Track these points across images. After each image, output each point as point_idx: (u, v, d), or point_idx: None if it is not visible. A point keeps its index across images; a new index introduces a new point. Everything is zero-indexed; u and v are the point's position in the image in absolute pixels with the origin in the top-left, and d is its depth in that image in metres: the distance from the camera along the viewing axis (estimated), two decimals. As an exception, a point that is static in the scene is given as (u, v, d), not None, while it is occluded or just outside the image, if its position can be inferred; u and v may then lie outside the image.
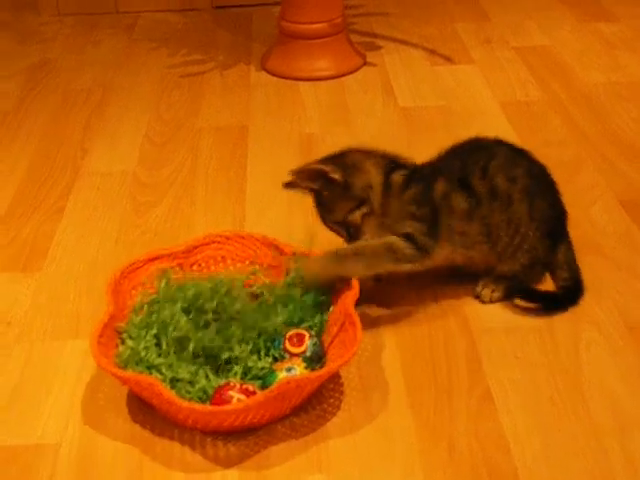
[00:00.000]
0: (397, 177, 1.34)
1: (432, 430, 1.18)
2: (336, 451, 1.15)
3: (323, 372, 1.16)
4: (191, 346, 1.22)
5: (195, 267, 1.39)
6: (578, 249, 1.51)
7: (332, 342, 1.26)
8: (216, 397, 1.15)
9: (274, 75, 2.24)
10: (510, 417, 1.20)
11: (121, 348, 1.23)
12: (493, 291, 1.40)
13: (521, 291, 1.40)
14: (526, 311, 1.39)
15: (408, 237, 1.31)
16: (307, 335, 1.24)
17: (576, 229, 1.53)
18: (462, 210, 1.34)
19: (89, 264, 1.54)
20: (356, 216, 1.33)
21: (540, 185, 1.41)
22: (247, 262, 1.40)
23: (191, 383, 1.18)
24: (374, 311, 1.40)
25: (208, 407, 1.13)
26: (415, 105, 2.07)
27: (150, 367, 1.20)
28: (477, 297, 1.41)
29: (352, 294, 1.27)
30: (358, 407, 1.22)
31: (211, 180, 1.80)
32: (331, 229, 1.37)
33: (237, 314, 1.27)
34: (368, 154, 1.37)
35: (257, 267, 1.38)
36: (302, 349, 1.23)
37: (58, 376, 1.28)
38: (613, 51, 2.31)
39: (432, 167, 1.39)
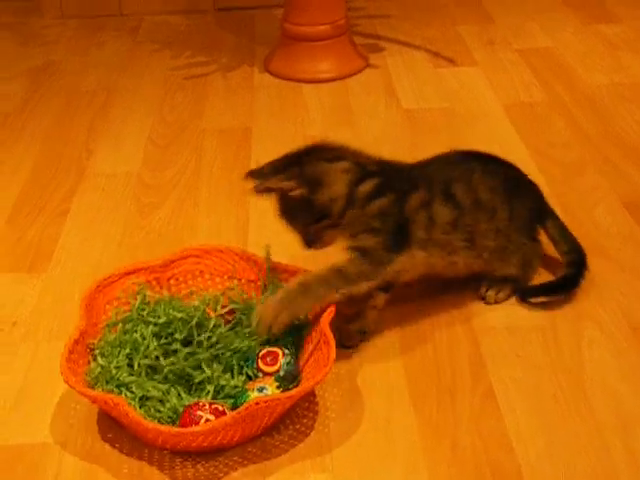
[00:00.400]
0: (364, 187, 1.28)
1: (435, 429, 1.19)
2: (338, 451, 1.16)
3: (294, 392, 1.13)
4: (162, 370, 1.21)
5: (172, 281, 1.37)
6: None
7: (307, 361, 1.25)
8: (185, 417, 1.13)
9: (277, 77, 2.25)
10: (513, 416, 1.20)
11: (92, 365, 1.22)
12: (498, 292, 1.41)
13: (527, 293, 1.41)
14: (529, 310, 1.40)
15: (362, 252, 1.27)
16: (281, 353, 1.23)
17: (579, 230, 1.53)
18: (445, 222, 1.32)
19: (93, 266, 1.54)
20: (316, 228, 1.29)
21: (515, 186, 1.42)
22: (225, 277, 1.38)
23: (161, 402, 1.17)
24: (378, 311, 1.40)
25: (174, 428, 1.11)
26: (418, 107, 2.07)
27: (120, 385, 1.19)
28: (482, 298, 1.42)
29: (328, 312, 1.24)
30: (358, 406, 1.22)
31: (214, 182, 1.81)
32: (292, 229, 1.33)
33: (207, 341, 1.26)
34: (338, 158, 1.30)
35: (235, 282, 1.37)
36: (275, 368, 1.21)
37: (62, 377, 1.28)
38: (616, 52, 2.31)
39: (409, 176, 1.34)
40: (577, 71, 2.22)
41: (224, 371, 1.23)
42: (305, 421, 1.21)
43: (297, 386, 1.19)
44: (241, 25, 2.59)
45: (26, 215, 1.70)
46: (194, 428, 1.09)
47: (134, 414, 1.09)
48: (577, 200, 1.68)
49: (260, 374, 1.22)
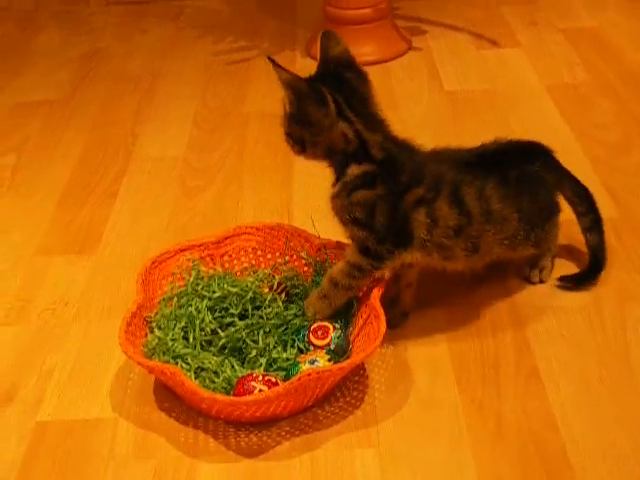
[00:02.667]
0: (352, 171, 1.24)
1: (479, 407, 1.20)
2: (384, 427, 1.18)
3: (345, 364, 1.16)
4: (217, 343, 1.25)
5: (226, 258, 1.41)
6: (627, 230, 1.51)
7: (358, 335, 1.27)
8: (238, 388, 1.16)
9: (319, 61, 2.25)
10: (558, 395, 1.21)
11: (149, 337, 1.26)
12: (542, 270, 1.41)
13: (566, 281, 1.40)
14: (572, 291, 1.40)
15: (359, 245, 1.25)
16: (332, 328, 1.26)
17: (624, 210, 1.53)
18: (448, 225, 1.25)
19: (142, 247, 1.58)
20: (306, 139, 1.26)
21: (530, 183, 1.34)
22: (277, 253, 1.41)
23: (216, 373, 1.21)
24: (422, 291, 1.41)
25: (229, 397, 1.14)
26: (461, 89, 2.07)
27: (176, 357, 1.22)
28: (526, 278, 1.42)
29: (378, 288, 1.26)
30: (403, 383, 1.24)
31: (258, 165, 1.83)
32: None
33: (262, 315, 1.30)
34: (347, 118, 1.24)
35: (287, 258, 1.39)
36: (326, 341, 1.24)
37: (115, 353, 1.31)
38: (663, 31, 2.28)
39: (416, 169, 1.26)
40: (622, 50, 2.19)
41: (277, 344, 1.26)
42: (355, 394, 1.23)
43: (347, 359, 1.22)
44: (282, 9, 2.61)
45: (76, 198, 1.74)
46: (248, 397, 1.12)
47: (190, 383, 1.12)
48: (622, 180, 1.66)
49: (311, 347, 1.24)
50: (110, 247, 1.59)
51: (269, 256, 1.42)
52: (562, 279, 1.41)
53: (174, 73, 2.26)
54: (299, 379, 1.11)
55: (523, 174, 1.34)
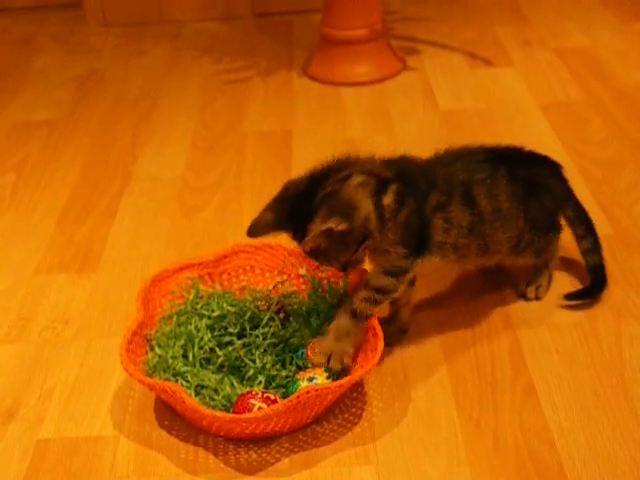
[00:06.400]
0: (388, 199, 1.23)
1: (477, 423, 1.21)
2: (382, 444, 1.19)
3: (344, 382, 1.17)
4: (217, 361, 1.27)
5: (224, 276, 1.42)
6: (621, 248, 1.53)
7: (356, 353, 1.27)
8: (238, 405, 1.17)
9: (316, 81, 2.29)
10: (554, 410, 1.22)
11: (150, 355, 1.28)
12: (538, 287, 1.43)
13: (568, 296, 1.42)
14: (567, 307, 1.42)
15: (389, 269, 1.26)
16: None
17: (618, 228, 1.55)
18: (462, 225, 1.28)
19: (141, 265, 1.59)
20: (360, 253, 1.25)
21: (536, 186, 1.37)
22: (275, 272, 1.42)
23: (216, 391, 1.22)
24: (417, 308, 1.43)
25: (229, 415, 1.15)
26: (455, 108, 2.09)
27: (176, 374, 1.24)
28: (522, 295, 1.44)
29: None
30: (401, 400, 1.25)
31: (257, 183, 1.85)
32: (329, 264, 1.27)
33: (260, 333, 1.31)
34: (348, 175, 1.23)
35: (285, 277, 1.41)
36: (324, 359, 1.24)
37: (115, 371, 1.33)
38: (654, 51, 2.31)
39: (427, 175, 1.29)
40: (615, 70, 2.22)
41: (275, 362, 1.28)
42: (354, 410, 1.25)
43: (346, 376, 1.22)
44: (279, 30, 2.64)
45: (75, 218, 1.76)
46: (248, 415, 1.14)
47: (190, 401, 1.13)
48: (615, 198, 1.69)
49: (310, 364, 1.26)
50: (110, 266, 1.60)
51: (267, 274, 1.43)
52: (567, 297, 1.42)
53: (172, 93, 2.28)
54: (298, 397, 1.13)
55: (531, 176, 1.37)
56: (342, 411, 1.25)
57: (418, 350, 1.35)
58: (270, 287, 1.40)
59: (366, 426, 1.22)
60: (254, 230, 1.25)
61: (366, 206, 1.21)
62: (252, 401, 1.16)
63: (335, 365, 1.23)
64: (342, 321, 1.25)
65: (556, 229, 1.43)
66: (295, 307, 1.36)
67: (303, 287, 1.40)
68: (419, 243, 1.26)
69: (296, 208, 1.23)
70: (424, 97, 2.16)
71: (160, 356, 1.26)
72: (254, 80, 2.32)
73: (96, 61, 2.51)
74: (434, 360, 1.33)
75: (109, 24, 2.73)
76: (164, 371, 1.24)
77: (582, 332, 1.36)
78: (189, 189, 1.84)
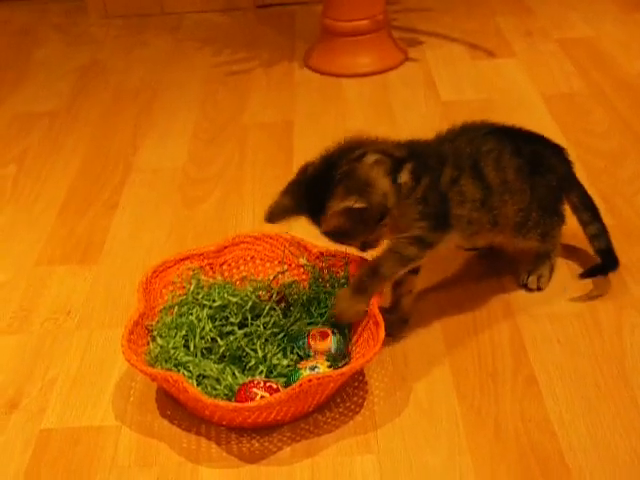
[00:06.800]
0: (405, 177, 1.25)
1: (477, 412, 1.21)
2: (383, 433, 1.19)
3: (345, 370, 1.17)
4: (218, 351, 1.27)
5: (225, 267, 1.42)
6: (623, 238, 1.52)
7: (357, 341, 1.29)
8: (240, 394, 1.17)
9: (317, 72, 2.28)
10: (555, 401, 1.22)
11: (151, 345, 1.28)
12: (539, 278, 1.43)
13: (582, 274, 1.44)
14: (568, 297, 1.42)
15: (415, 239, 1.27)
16: (331, 332, 1.27)
17: (620, 218, 1.55)
18: (474, 199, 1.30)
19: (143, 256, 1.59)
20: (379, 232, 1.27)
21: (540, 164, 1.39)
22: (276, 262, 1.43)
23: (217, 381, 1.22)
24: (419, 298, 1.43)
25: (232, 403, 1.16)
26: (457, 99, 2.09)
27: (178, 364, 1.24)
28: (524, 285, 1.44)
29: (376, 296, 1.28)
30: (403, 390, 1.26)
31: (258, 175, 1.85)
32: (349, 244, 1.30)
33: (260, 326, 1.31)
34: (363, 154, 1.25)
35: (285, 267, 1.41)
36: (326, 344, 1.26)
37: (117, 361, 1.33)
38: (657, 41, 2.30)
39: (437, 153, 1.31)
40: (617, 60, 2.21)
41: (276, 352, 1.28)
42: (355, 399, 1.25)
43: (347, 365, 1.23)
44: (280, 21, 2.63)
45: (77, 209, 1.76)
46: (251, 404, 1.14)
47: (193, 390, 1.14)
48: (618, 189, 1.68)
49: (311, 353, 1.26)
50: (111, 257, 1.60)
51: (267, 265, 1.43)
52: (582, 275, 1.43)
53: (174, 85, 2.28)
54: (300, 385, 1.13)
55: (535, 153, 1.39)
56: (343, 400, 1.25)
57: (419, 340, 1.35)
58: (271, 277, 1.40)
59: (367, 415, 1.22)
60: (272, 215, 1.26)
61: (383, 184, 1.23)
62: (254, 390, 1.17)
63: (342, 320, 1.25)
64: (362, 277, 1.26)
65: (561, 216, 1.44)
66: (296, 297, 1.36)
67: (303, 277, 1.40)
68: (441, 217, 1.28)
69: (313, 190, 1.24)
70: (426, 88, 2.15)
71: (162, 346, 1.26)
72: (255, 71, 2.32)
73: (97, 52, 2.50)
74: (435, 350, 1.33)
75: (110, 15, 2.73)
76: (166, 361, 1.24)
77: (583, 322, 1.36)
78: (190, 180, 1.84)
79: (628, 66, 2.18)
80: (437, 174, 1.28)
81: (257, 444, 1.19)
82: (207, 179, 1.84)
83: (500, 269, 1.48)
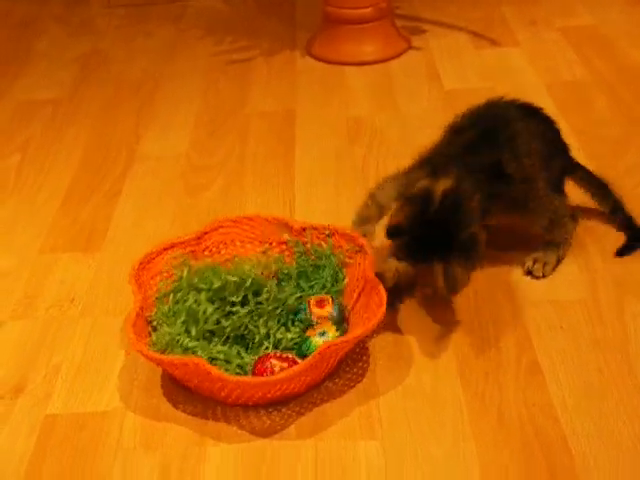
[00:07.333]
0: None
1: (481, 399, 1.22)
2: (387, 419, 1.20)
3: (359, 333, 1.19)
4: (223, 332, 1.27)
5: (207, 252, 1.43)
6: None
7: (354, 307, 1.31)
8: (258, 368, 1.18)
9: (319, 60, 2.28)
10: (558, 387, 1.22)
11: (158, 334, 1.27)
12: (545, 265, 1.43)
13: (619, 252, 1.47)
14: (571, 284, 1.42)
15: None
16: (329, 298, 1.30)
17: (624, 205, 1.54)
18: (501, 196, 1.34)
19: (146, 244, 1.57)
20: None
21: (552, 146, 1.44)
22: (257, 242, 1.44)
23: (228, 362, 1.23)
24: (423, 288, 1.43)
25: (259, 378, 1.16)
26: (460, 88, 2.09)
27: (186, 350, 1.24)
28: (529, 273, 1.44)
29: (369, 260, 1.31)
30: (407, 376, 1.26)
31: (260, 163, 1.85)
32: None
33: (262, 302, 1.31)
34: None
35: (267, 245, 1.43)
36: (328, 309, 1.28)
37: (120, 349, 1.34)
38: (661, 30, 2.30)
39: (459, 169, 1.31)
40: (621, 49, 2.21)
41: (279, 327, 1.29)
42: (360, 386, 1.25)
43: (346, 330, 1.26)
44: (282, 10, 2.62)
45: (80, 197, 1.76)
46: (279, 375, 1.15)
47: (216, 372, 1.14)
48: (621, 177, 1.68)
49: (314, 320, 1.27)
50: (115, 245, 1.60)
51: (248, 246, 1.45)
52: (618, 253, 1.46)
53: (176, 74, 2.28)
54: (320, 352, 1.15)
55: (548, 132, 1.45)
56: (349, 385, 1.25)
57: (423, 326, 1.35)
58: (260, 253, 1.41)
59: (372, 402, 1.22)
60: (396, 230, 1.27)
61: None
62: (273, 361, 1.18)
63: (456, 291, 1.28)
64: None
65: (563, 193, 1.47)
66: (286, 271, 1.38)
67: (287, 253, 1.42)
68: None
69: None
70: (429, 77, 2.15)
71: (170, 333, 1.26)
72: (257, 60, 2.31)
73: (99, 42, 2.50)
74: (439, 337, 1.33)
75: (112, 5, 2.72)
76: (174, 349, 1.24)
77: (586, 309, 1.36)
78: (193, 168, 1.84)
79: (631, 54, 2.17)
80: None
81: (267, 420, 1.20)
82: (209, 167, 1.84)
83: (505, 256, 1.48)
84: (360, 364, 1.29)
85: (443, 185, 1.25)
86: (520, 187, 1.36)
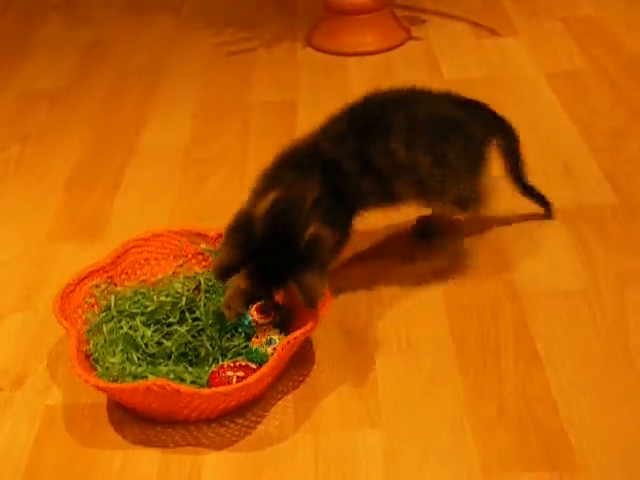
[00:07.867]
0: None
1: (480, 390, 1.22)
2: (386, 409, 1.20)
3: (309, 327, 1.18)
4: (165, 353, 1.24)
5: (123, 276, 1.38)
6: (626, 216, 1.53)
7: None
8: (215, 381, 1.15)
9: (320, 51, 2.28)
10: (557, 377, 1.23)
11: (102, 366, 1.22)
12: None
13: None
14: (571, 274, 1.42)
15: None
16: (273, 304, 1.27)
17: (622, 196, 1.55)
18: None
19: (147, 235, 1.60)
20: None
21: (439, 128, 1.36)
22: (171, 257, 1.41)
23: (181, 379, 1.19)
24: (422, 277, 1.43)
25: (233, 385, 1.13)
26: (460, 78, 2.08)
27: (135, 377, 1.19)
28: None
29: None
30: (405, 368, 1.27)
31: (261, 154, 1.84)
32: None
33: (200, 318, 1.29)
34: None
35: (184, 259, 1.40)
36: (270, 319, 1.26)
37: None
38: (662, 20, 2.29)
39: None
40: (621, 39, 2.20)
41: (221, 336, 1.26)
42: (359, 376, 1.25)
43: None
44: (282, 1, 2.62)
45: (81, 187, 1.77)
46: (250, 378, 1.13)
47: (185, 388, 1.12)
48: (621, 167, 1.68)
49: (256, 330, 1.25)
50: (116, 235, 1.60)
51: (163, 263, 1.41)
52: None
53: (177, 64, 2.28)
54: (282, 349, 1.15)
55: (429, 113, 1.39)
56: (345, 375, 1.26)
57: (422, 317, 1.36)
58: (170, 273, 1.38)
59: (371, 394, 1.23)
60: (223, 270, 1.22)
61: None
62: (228, 373, 1.16)
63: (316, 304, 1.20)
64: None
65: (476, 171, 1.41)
66: (211, 283, 1.33)
67: (204, 263, 1.40)
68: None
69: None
70: (429, 67, 2.15)
71: (114, 364, 1.21)
72: (258, 51, 2.31)
73: (100, 32, 2.50)
74: (438, 328, 1.33)
75: (112, -5, 2.72)
76: (125, 378, 1.20)
77: (586, 299, 1.36)
78: (194, 159, 1.84)
79: (631, 45, 2.17)
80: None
81: (265, 414, 1.20)
82: (210, 158, 1.84)
83: (503, 245, 1.49)
84: (357, 354, 1.29)
85: (267, 201, 1.19)
86: (405, 174, 1.32)
